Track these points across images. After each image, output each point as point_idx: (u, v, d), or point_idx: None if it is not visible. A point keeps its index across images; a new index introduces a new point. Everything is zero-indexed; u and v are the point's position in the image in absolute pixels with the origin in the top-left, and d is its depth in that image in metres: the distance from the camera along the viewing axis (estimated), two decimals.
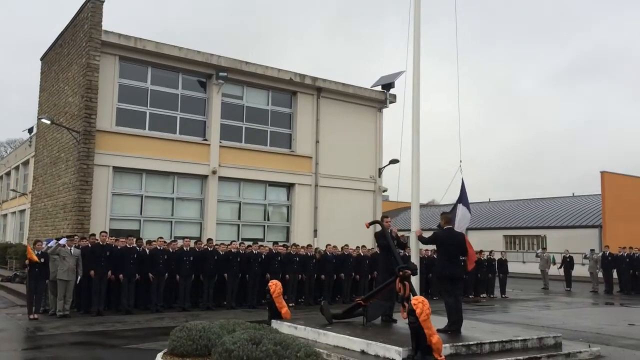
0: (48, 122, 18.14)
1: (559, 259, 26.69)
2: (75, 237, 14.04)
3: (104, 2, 17.49)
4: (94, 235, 14.28)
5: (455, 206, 10.42)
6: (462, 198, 10.42)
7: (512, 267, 25.69)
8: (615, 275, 23.45)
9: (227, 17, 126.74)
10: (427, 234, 10.00)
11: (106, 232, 14.61)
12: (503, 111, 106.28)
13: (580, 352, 8.69)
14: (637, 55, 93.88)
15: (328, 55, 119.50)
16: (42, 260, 12.57)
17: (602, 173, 34.38)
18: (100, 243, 13.65)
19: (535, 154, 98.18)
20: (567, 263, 24.99)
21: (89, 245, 13.55)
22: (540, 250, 27.41)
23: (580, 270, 26.91)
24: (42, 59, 22.83)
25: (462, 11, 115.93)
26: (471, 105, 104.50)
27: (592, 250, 25.43)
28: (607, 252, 23.68)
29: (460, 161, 10.46)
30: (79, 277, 13.02)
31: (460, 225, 10.17)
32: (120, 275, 13.49)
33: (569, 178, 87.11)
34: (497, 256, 21.94)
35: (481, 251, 21.20)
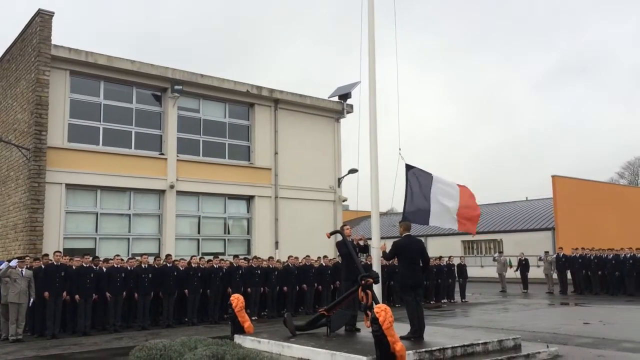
0: None
1: (515, 262, 27.33)
2: (27, 258, 13.54)
3: (53, 15, 17.09)
4: (47, 255, 13.81)
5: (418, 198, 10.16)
6: (423, 188, 10.14)
7: (471, 272, 26.15)
8: (569, 275, 24.16)
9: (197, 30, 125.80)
10: (388, 242, 10.07)
11: (60, 252, 14.11)
12: (483, 116, 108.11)
13: (539, 352, 8.91)
14: (620, 59, 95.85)
15: (316, 64, 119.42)
16: None
17: (553, 177, 35.46)
18: (55, 263, 13.19)
19: (510, 157, 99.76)
20: (523, 266, 25.60)
21: (42, 266, 13.08)
22: (497, 255, 28.01)
23: (536, 272, 27.61)
24: None
25: (450, 17, 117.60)
26: (453, 110, 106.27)
27: (547, 253, 26.15)
28: (561, 254, 24.39)
29: (400, 148, 10.22)
30: (32, 300, 12.57)
31: (441, 218, 10.07)
32: (77, 296, 13.08)
33: (542, 180, 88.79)
34: (456, 261, 22.31)
35: (440, 257, 21.56)
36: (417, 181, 10.32)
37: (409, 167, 10.39)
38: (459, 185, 10.47)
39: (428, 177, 10.34)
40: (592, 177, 39.22)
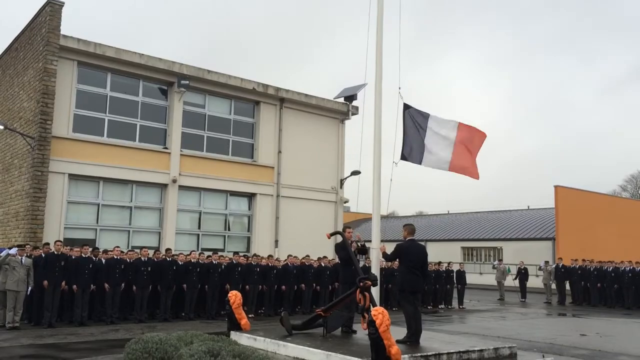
0: (1, 127, 17.58)
1: (514, 270, 27.30)
2: (27, 246, 13.58)
3: (63, 5, 17.13)
4: (47, 244, 13.84)
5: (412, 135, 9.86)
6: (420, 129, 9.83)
7: (470, 279, 26.13)
8: (567, 286, 24.14)
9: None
10: (388, 245, 10.05)
11: (61, 242, 14.13)
12: (532, 119, 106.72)
13: None
14: None
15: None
16: None
17: (556, 187, 35.40)
18: (55, 252, 13.22)
19: (545, 164, 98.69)
20: (522, 274, 25.59)
21: (42, 255, 13.12)
22: (496, 262, 27.99)
23: (535, 281, 27.58)
24: None
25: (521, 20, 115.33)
26: (504, 113, 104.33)
27: (546, 262, 26.13)
28: (560, 264, 24.37)
29: (400, 87, 9.94)
30: (30, 288, 12.60)
31: (433, 161, 9.86)
32: (75, 286, 13.10)
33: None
34: (455, 267, 22.29)
35: (440, 263, 21.53)
36: (413, 121, 10.13)
37: (406, 107, 10.19)
38: (461, 124, 10.09)
39: (424, 116, 10.16)
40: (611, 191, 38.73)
